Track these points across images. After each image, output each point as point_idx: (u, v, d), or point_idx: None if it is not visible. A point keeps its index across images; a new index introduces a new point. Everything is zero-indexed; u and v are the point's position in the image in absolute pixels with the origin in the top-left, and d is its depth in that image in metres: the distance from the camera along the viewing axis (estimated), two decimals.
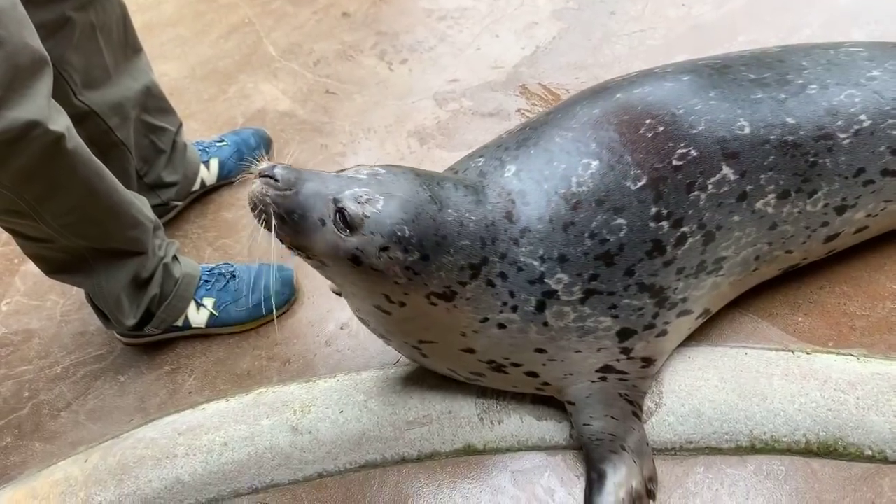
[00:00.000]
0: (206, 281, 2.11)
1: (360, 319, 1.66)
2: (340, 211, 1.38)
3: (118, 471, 1.81)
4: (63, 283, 2.11)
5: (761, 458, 1.60)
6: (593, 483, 1.58)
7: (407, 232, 1.39)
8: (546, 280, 1.49)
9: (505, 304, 1.50)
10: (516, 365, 1.60)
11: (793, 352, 1.72)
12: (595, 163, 1.52)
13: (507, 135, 1.70)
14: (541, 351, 1.56)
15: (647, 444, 1.62)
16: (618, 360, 1.59)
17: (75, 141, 1.67)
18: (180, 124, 2.42)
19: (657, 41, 2.71)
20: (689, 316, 1.65)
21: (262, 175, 1.41)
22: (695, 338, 1.76)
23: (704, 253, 1.58)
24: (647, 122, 1.55)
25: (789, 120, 1.59)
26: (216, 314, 2.09)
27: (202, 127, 2.86)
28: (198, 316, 2.09)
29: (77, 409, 2.05)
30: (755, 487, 1.56)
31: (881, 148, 1.65)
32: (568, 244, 1.49)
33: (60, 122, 1.62)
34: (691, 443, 1.64)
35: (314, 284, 2.20)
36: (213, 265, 2.18)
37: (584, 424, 1.62)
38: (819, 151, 1.61)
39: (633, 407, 1.63)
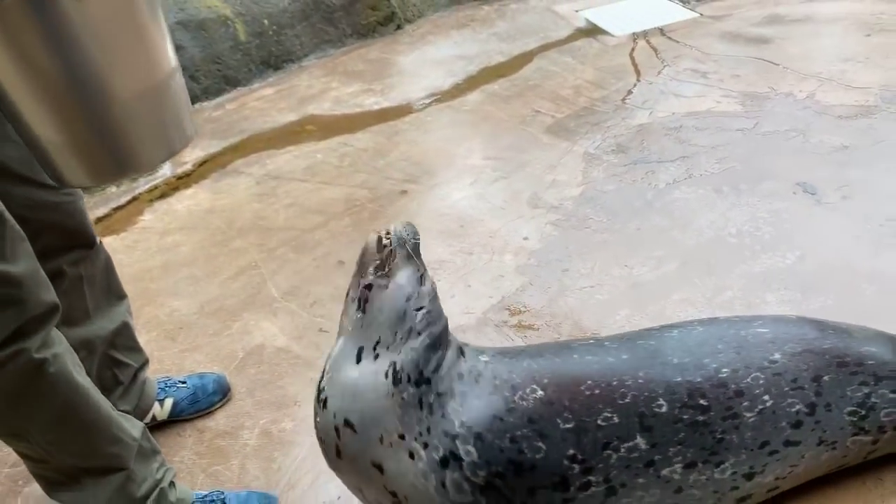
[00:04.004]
0: None
1: None
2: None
3: None
4: (60, 502, 2.29)
5: None
6: None
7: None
8: (457, 442, 1.72)
9: (420, 433, 1.71)
10: None
11: None
12: (541, 393, 1.82)
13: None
14: None
15: None
16: None
17: (59, 365, 1.85)
18: (145, 361, 2.71)
19: (603, 296, 3.18)
20: None
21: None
22: None
23: (604, 502, 1.82)
24: (588, 382, 1.86)
25: (702, 402, 1.85)
26: None
27: (205, 359, 3.20)
28: None
29: None
30: None
31: (782, 423, 1.90)
32: (489, 430, 1.74)
33: (45, 350, 1.81)
34: None
35: None
36: (206, 492, 2.40)
37: None
38: (727, 429, 1.85)
39: None
